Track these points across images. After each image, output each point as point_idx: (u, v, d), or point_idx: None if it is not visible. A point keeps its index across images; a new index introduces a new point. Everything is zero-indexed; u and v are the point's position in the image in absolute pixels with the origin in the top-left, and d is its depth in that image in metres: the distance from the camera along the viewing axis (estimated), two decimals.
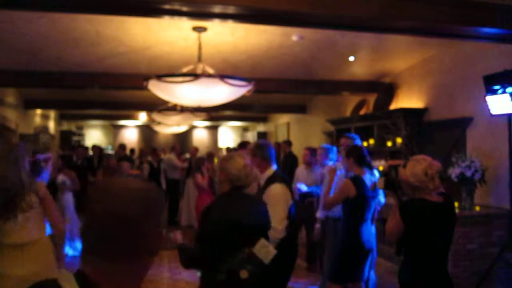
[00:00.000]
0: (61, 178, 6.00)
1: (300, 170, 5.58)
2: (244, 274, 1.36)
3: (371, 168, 3.58)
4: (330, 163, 4.77)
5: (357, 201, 3.40)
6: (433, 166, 2.46)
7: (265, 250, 1.42)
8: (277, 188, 2.97)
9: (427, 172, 2.44)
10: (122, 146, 9.63)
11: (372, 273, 4.22)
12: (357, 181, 3.42)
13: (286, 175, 3.31)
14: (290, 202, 3.00)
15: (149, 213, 0.98)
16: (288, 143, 8.50)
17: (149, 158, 9.21)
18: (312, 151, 5.50)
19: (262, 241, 1.49)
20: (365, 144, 6.53)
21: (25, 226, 2.63)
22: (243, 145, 6.26)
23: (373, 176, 3.59)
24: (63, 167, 6.32)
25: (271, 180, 3.04)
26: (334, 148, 4.90)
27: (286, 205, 2.95)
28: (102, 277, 0.93)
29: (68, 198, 6.03)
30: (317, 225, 4.42)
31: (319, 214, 4.36)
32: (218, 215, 2.20)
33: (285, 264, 2.92)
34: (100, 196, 0.98)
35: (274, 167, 3.19)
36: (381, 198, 3.81)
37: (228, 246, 1.97)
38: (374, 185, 3.49)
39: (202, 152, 10.89)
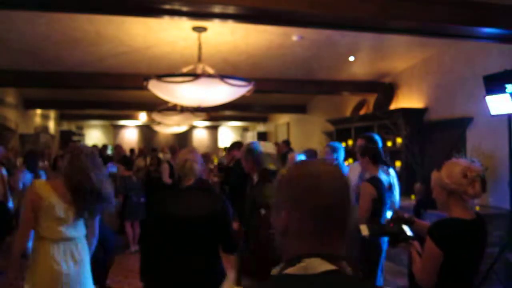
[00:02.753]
0: None
1: None
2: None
3: (388, 166, 3.50)
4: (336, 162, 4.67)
5: (377, 203, 3.27)
6: (473, 168, 2.08)
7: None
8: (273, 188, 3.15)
9: (466, 173, 2.05)
10: (120, 147, 9.70)
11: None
12: (375, 182, 3.30)
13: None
14: None
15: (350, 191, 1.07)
16: (286, 143, 8.50)
17: (169, 158, 9.26)
18: (308, 153, 5.46)
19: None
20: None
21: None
22: (235, 145, 6.30)
23: (389, 176, 3.53)
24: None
25: (265, 179, 3.25)
26: (341, 146, 4.74)
27: None
28: (341, 251, 1.02)
29: None
30: None
31: None
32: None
33: None
34: (324, 185, 1.02)
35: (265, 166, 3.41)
36: (396, 197, 3.79)
37: None
38: (390, 185, 3.43)
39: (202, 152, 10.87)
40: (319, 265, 0.96)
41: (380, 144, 4.46)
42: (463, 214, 2.06)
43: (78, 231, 2.73)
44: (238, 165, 5.92)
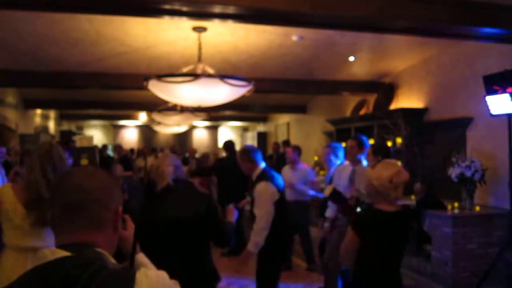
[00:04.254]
0: None
1: (285, 169, 5.58)
2: None
3: None
4: (338, 162, 4.62)
5: None
6: (400, 175, 2.37)
7: None
8: (261, 186, 3.34)
9: (392, 179, 2.33)
10: (120, 147, 9.75)
11: None
12: None
13: (278, 173, 3.59)
14: (276, 197, 3.35)
15: (108, 192, 1.14)
16: (286, 143, 8.51)
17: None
18: (294, 149, 5.54)
19: None
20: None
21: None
22: (226, 145, 6.37)
23: None
24: None
25: (258, 179, 3.41)
26: (342, 147, 4.74)
27: (271, 200, 3.31)
28: (96, 241, 1.08)
29: None
30: (327, 224, 4.34)
31: (328, 213, 4.29)
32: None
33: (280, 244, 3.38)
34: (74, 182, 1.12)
35: (261, 166, 3.50)
36: None
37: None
38: None
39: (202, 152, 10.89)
40: (51, 254, 1.01)
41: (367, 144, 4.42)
42: (386, 207, 2.37)
43: (45, 241, 2.45)
44: (221, 162, 6.05)
